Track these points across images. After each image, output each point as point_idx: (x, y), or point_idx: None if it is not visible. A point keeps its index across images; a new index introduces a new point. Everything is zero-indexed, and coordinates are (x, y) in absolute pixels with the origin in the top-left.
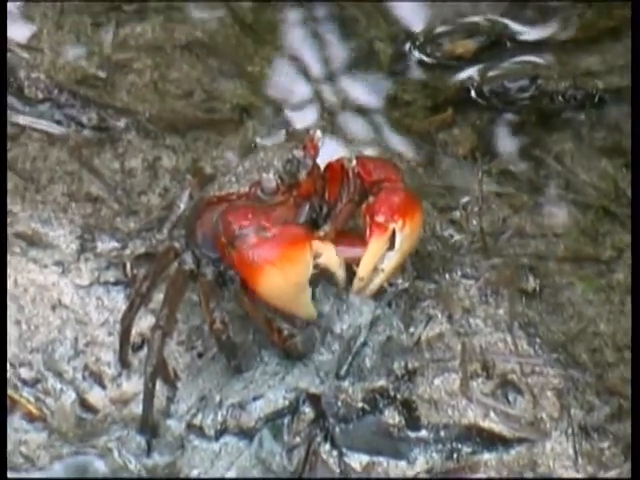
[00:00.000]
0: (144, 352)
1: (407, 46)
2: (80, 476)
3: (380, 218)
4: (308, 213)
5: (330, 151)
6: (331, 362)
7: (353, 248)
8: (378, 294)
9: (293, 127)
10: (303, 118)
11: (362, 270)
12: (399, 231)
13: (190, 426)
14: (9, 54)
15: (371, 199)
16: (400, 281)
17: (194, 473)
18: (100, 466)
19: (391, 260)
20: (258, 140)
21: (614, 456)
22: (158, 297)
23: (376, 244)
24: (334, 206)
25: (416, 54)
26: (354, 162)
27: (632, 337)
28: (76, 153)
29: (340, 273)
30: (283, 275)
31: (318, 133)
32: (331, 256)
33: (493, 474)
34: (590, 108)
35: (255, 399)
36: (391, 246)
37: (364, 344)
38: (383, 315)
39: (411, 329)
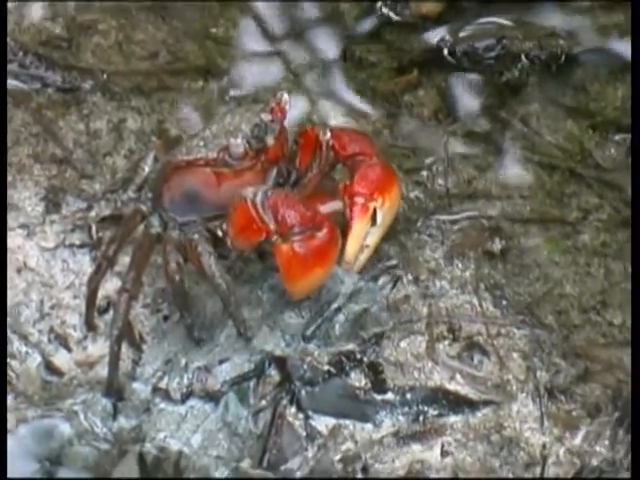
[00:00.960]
0: (110, 315)
1: (374, 5)
2: (44, 441)
3: (360, 199)
4: (275, 178)
5: (294, 113)
6: (298, 326)
7: (324, 205)
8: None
9: (258, 88)
10: (268, 79)
11: (349, 253)
12: (379, 208)
13: (156, 389)
14: None
15: (348, 179)
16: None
17: (160, 436)
18: (66, 429)
19: (374, 236)
20: (231, 93)
21: (580, 418)
22: (124, 260)
23: (359, 225)
24: (304, 174)
25: (384, 10)
26: (329, 134)
27: (632, 335)
28: (40, 114)
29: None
30: (324, 275)
31: (285, 96)
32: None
33: (459, 437)
34: (555, 69)
35: (221, 362)
36: (373, 222)
37: (338, 310)
38: (366, 289)
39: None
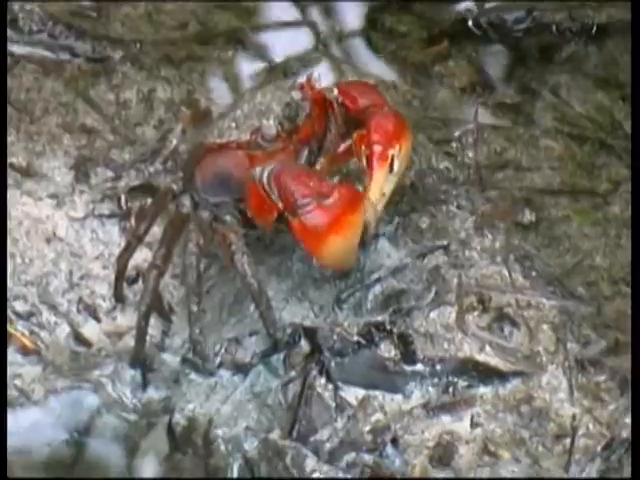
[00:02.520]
0: (139, 285)
1: None
2: (73, 411)
3: (378, 148)
4: (307, 158)
5: (323, 83)
6: (327, 297)
7: None
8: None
9: (288, 58)
10: (297, 49)
11: (374, 198)
12: (397, 156)
13: (185, 360)
14: None
15: (363, 129)
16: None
17: (189, 407)
18: (94, 400)
19: (391, 183)
20: (261, 64)
21: (610, 390)
22: (154, 230)
23: (381, 174)
24: (323, 139)
25: None
26: (336, 91)
27: (632, 333)
28: (70, 84)
29: (374, 224)
30: (345, 241)
31: (315, 74)
32: (372, 211)
33: (489, 408)
34: (586, 40)
35: (251, 335)
36: (390, 170)
37: (377, 281)
38: (412, 266)
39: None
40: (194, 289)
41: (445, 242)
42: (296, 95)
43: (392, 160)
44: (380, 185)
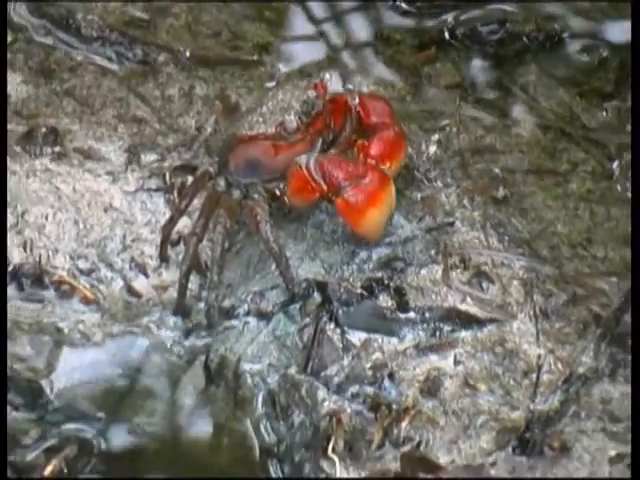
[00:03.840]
0: (180, 247)
1: None
2: (126, 350)
3: (372, 161)
4: (321, 146)
5: (335, 82)
6: (337, 257)
7: None
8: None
9: (304, 63)
10: (312, 55)
11: None
12: (389, 169)
13: (219, 309)
14: (70, 2)
15: (367, 140)
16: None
17: (221, 348)
18: (143, 342)
19: None
20: (281, 68)
21: (568, 334)
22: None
23: None
24: (338, 134)
25: (402, 3)
26: (357, 100)
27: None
28: (124, 83)
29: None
30: (380, 213)
31: (327, 76)
32: (393, 189)
33: (469, 349)
34: (550, 47)
35: (272, 288)
36: None
37: (388, 245)
38: (421, 237)
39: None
40: (217, 262)
41: (451, 219)
42: (311, 93)
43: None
44: None
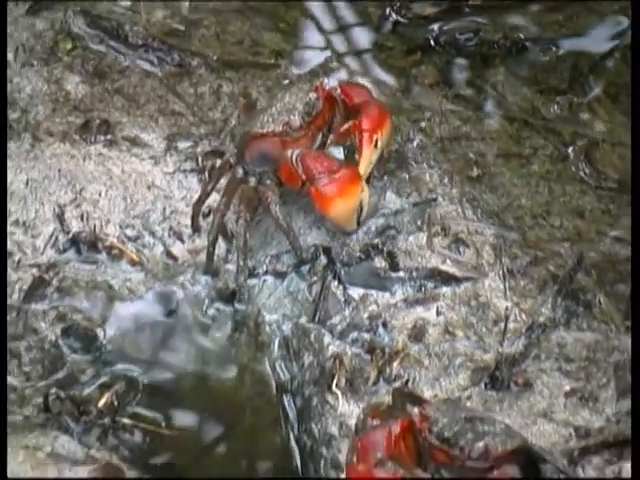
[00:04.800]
0: (210, 218)
1: (388, 10)
2: (165, 303)
3: (366, 134)
4: (321, 140)
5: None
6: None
7: None
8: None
9: (314, 66)
10: (320, 59)
11: (363, 169)
12: (380, 138)
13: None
14: (119, 15)
15: (357, 119)
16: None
17: (244, 302)
18: (180, 296)
19: (376, 154)
20: (294, 70)
21: (531, 290)
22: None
23: (367, 152)
24: (331, 122)
25: (394, 15)
26: (339, 90)
27: (632, 334)
28: (164, 82)
29: (366, 202)
30: (346, 204)
31: (325, 80)
32: (366, 189)
33: (449, 302)
34: (515, 52)
35: (287, 252)
36: (375, 147)
37: (382, 216)
38: (408, 211)
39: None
40: (242, 250)
41: (434, 195)
42: (312, 96)
43: (376, 141)
44: (367, 160)
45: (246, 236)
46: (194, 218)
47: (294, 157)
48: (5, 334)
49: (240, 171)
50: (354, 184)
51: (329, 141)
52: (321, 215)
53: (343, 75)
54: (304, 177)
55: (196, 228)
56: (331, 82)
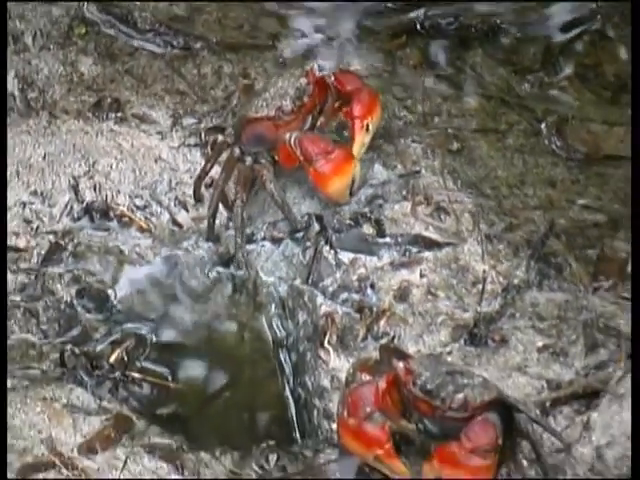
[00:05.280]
0: (211, 190)
1: None
2: (172, 267)
3: (358, 120)
4: (311, 122)
5: (330, 64)
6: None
7: None
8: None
9: (307, 47)
10: (314, 43)
11: (356, 151)
12: (371, 122)
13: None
14: (128, 2)
15: (349, 106)
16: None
17: (243, 265)
18: (185, 260)
19: (368, 137)
20: (288, 52)
21: (507, 254)
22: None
23: (359, 137)
24: (323, 106)
25: (383, 4)
26: (333, 78)
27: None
28: (170, 64)
29: (358, 176)
30: (342, 182)
31: (315, 66)
32: (357, 166)
33: (431, 265)
34: (491, 35)
35: (282, 220)
36: (367, 131)
37: (370, 186)
38: (395, 181)
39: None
40: (239, 229)
41: (418, 168)
42: (303, 81)
43: (367, 125)
44: (360, 143)
45: (243, 215)
46: (196, 191)
47: (292, 140)
48: (5, 333)
49: (237, 151)
50: (348, 163)
51: (319, 123)
52: (318, 191)
53: (334, 57)
54: (302, 158)
55: (198, 199)
56: (322, 65)
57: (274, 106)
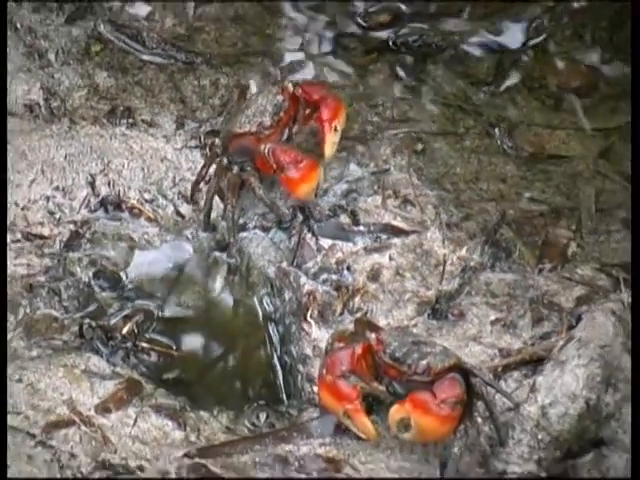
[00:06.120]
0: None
1: (352, 19)
2: (175, 253)
3: (327, 123)
4: (287, 134)
5: (309, 76)
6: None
7: None
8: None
9: (293, 61)
10: (296, 59)
11: (328, 153)
12: (338, 124)
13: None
14: (136, 23)
15: (318, 112)
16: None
17: (238, 250)
18: (186, 246)
19: (337, 137)
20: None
21: (465, 240)
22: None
23: (330, 136)
24: (296, 115)
25: (356, 22)
26: (300, 90)
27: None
28: (174, 76)
29: (322, 180)
30: (309, 186)
31: (289, 85)
32: (322, 172)
33: (399, 250)
34: (452, 52)
35: (269, 212)
36: (335, 132)
37: (346, 182)
38: (367, 179)
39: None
40: (231, 230)
41: (387, 166)
42: (279, 98)
43: (335, 127)
44: (330, 143)
45: (234, 217)
46: (192, 196)
47: (266, 150)
48: (5, 337)
49: (225, 161)
50: (314, 170)
51: (294, 132)
52: (288, 194)
53: (316, 69)
54: (275, 166)
55: (195, 201)
56: (298, 79)
57: (256, 122)
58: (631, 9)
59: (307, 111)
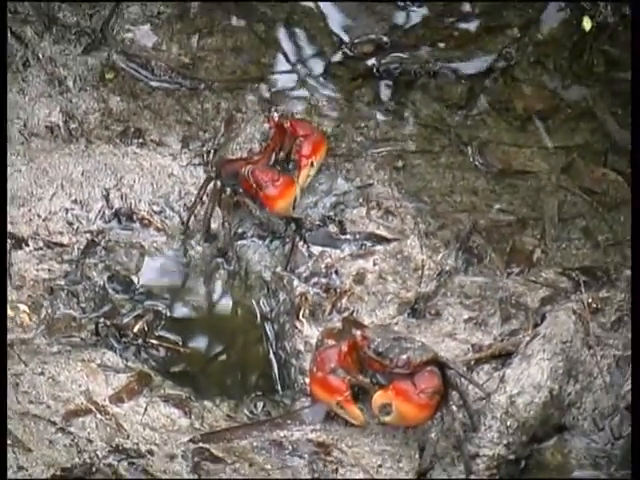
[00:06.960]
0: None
1: (340, 49)
2: (181, 259)
3: (305, 158)
4: (274, 159)
5: (300, 106)
6: (304, 202)
7: None
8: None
9: (285, 88)
10: (290, 82)
11: (302, 181)
12: (315, 160)
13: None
14: (146, 53)
15: (298, 146)
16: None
17: (237, 257)
18: (191, 253)
19: (314, 170)
20: (269, 91)
21: (440, 247)
22: None
23: (306, 170)
24: (282, 144)
25: (343, 52)
26: (288, 124)
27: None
28: (180, 100)
29: (299, 198)
30: (286, 202)
31: (275, 114)
32: (298, 191)
33: (382, 256)
34: (429, 77)
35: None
36: (311, 167)
37: (334, 195)
38: (354, 192)
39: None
40: (227, 244)
41: (371, 181)
42: (266, 126)
43: (312, 162)
44: (304, 176)
45: (230, 234)
46: (189, 217)
47: (246, 172)
48: (5, 337)
49: (219, 183)
50: (290, 187)
51: (280, 158)
52: (267, 209)
53: (307, 94)
54: (254, 185)
55: (191, 210)
56: (287, 109)
57: (246, 149)
58: (631, 9)
59: (291, 141)
